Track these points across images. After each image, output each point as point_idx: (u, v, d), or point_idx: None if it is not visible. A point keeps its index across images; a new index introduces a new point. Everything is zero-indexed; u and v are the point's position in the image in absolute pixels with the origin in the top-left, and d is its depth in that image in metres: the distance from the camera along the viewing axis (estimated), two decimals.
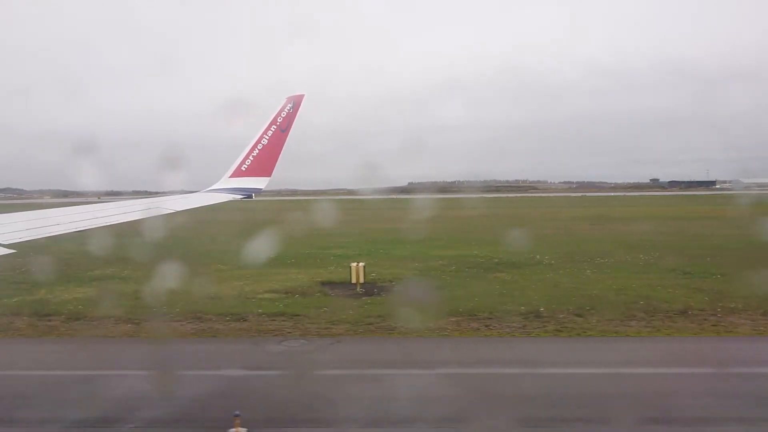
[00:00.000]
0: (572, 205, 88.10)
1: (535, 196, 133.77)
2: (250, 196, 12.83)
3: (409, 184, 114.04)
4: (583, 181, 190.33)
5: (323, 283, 22.64)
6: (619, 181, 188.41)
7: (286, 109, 13.01)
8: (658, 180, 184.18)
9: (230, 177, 12.79)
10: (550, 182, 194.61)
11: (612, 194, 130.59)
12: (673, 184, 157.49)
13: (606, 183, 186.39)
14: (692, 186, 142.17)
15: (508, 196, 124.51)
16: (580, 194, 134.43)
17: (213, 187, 12.85)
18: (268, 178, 12.96)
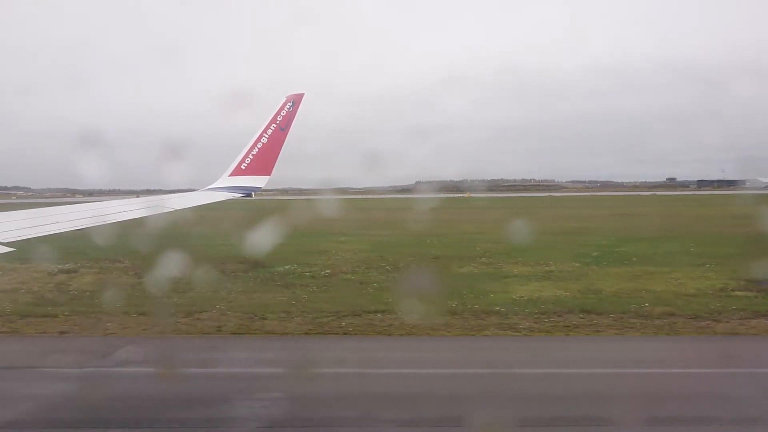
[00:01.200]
0: (655, 204, 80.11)
1: (578, 196, 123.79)
2: (249, 195, 12.92)
3: (416, 183, 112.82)
4: (594, 180, 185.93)
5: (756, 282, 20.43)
6: (625, 180, 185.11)
7: (285, 108, 13.05)
8: (674, 179, 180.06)
9: (230, 176, 12.88)
10: (557, 181, 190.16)
11: (647, 194, 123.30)
12: (702, 184, 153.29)
13: (613, 182, 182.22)
14: (722, 185, 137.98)
15: (543, 195, 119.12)
16: (615, 194, 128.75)
17: (213, 185, 12.96)
18: (268, 176, 13.02)
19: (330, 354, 13.78)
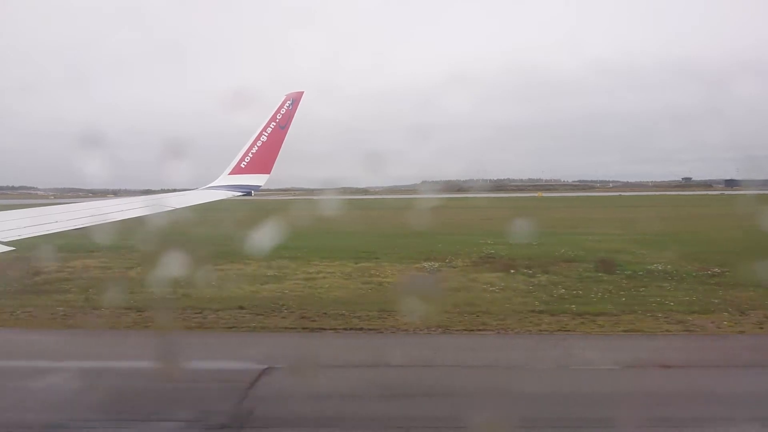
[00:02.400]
0: (755, 204, 76.67)
1: (644, 195, 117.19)
2: (249, 194, 12.90)
3: (422, 182, 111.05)
4: (605, 180, 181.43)
5: None
6: (630, 179, 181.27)
7: (285, 106, 13.00)
8: (690, 179, 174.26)
9: (229, 174, 12.89)
10: (564, 181, 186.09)
11: (716, 193, 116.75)
12: (730, 183, 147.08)
13: (631, 182, 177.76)
14: (753, 185, 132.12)
15: (614, 195, 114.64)
16: (647, 193, 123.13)
17: (212, 184, 12.98)
18: (267, 175, 12.98)
19: None
